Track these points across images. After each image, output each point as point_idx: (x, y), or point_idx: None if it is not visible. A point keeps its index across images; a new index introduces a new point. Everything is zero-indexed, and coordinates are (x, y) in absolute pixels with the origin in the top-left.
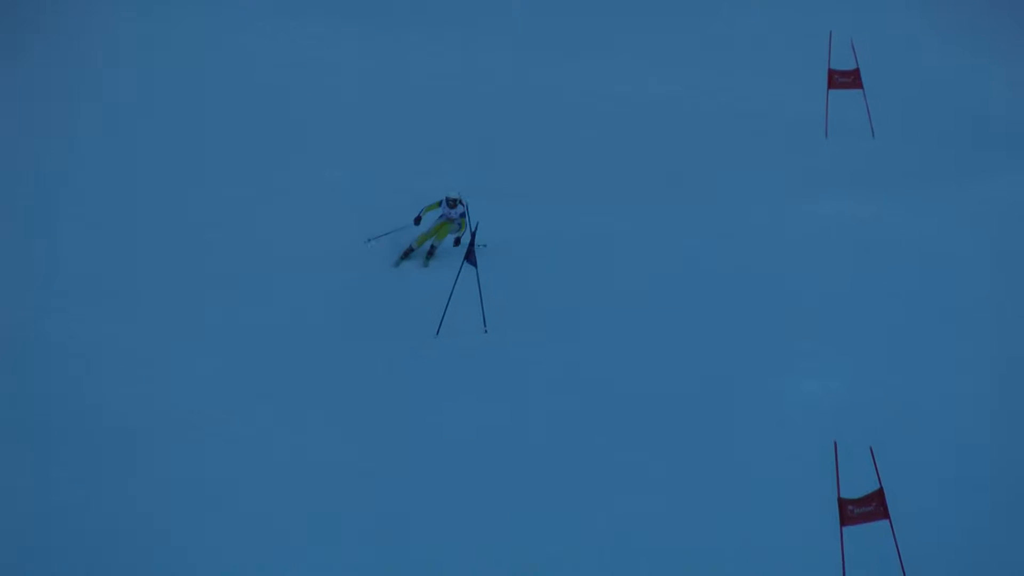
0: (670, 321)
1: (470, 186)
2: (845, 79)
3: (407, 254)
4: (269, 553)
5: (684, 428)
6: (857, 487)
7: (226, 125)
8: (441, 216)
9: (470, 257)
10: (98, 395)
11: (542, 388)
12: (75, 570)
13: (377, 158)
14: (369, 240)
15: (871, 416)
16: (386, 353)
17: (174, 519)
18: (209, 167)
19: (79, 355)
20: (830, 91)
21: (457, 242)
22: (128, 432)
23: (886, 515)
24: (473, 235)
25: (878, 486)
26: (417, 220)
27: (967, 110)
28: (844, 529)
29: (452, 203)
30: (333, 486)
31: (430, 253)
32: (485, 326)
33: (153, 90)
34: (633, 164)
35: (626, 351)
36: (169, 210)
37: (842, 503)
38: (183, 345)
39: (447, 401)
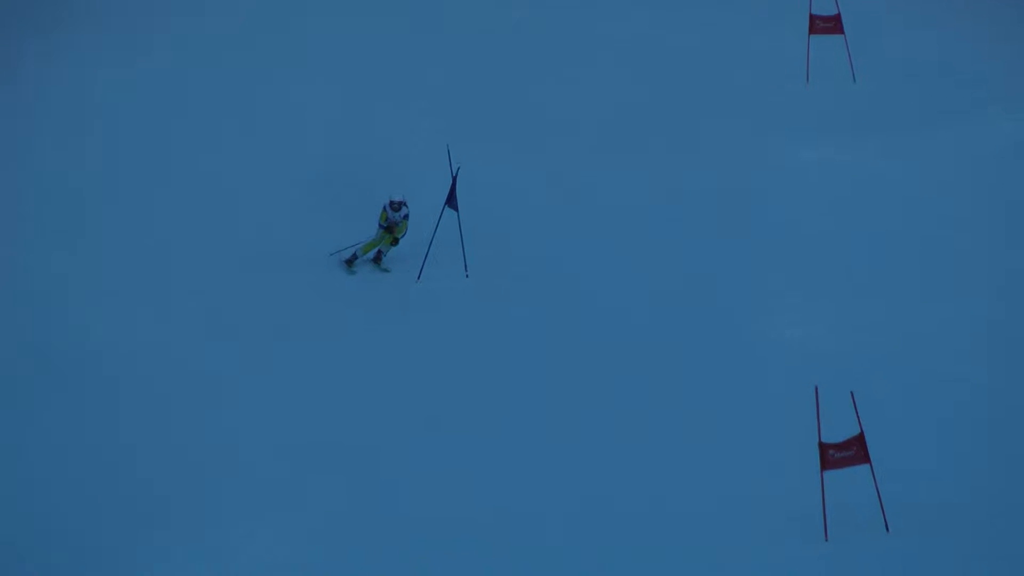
0: (651, 268)
1: (452, 128)
2: (826, 24)
3: (351, 262)
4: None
5: (664, 374)
6: (838, 431)
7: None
8: (387, 223)
9: (451, 202)
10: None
11: (523, 332)
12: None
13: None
14: (332, 253)
15: (852, 361)
16: (368, 298)
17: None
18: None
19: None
20: (811, 36)
21: (395, 242)
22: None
23: (867, 459)
24: (455, 179)
25: (859, 430)
26: (381, 227)
27: (948, 55)
28: (825, 473)
29: (396, 206)
30: (312, 422)
31: (377, 259)
32: (466, 271)
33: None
34: (615, 108)
35: (608, 298)
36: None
37: (823, 448)
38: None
39: (426, 345)
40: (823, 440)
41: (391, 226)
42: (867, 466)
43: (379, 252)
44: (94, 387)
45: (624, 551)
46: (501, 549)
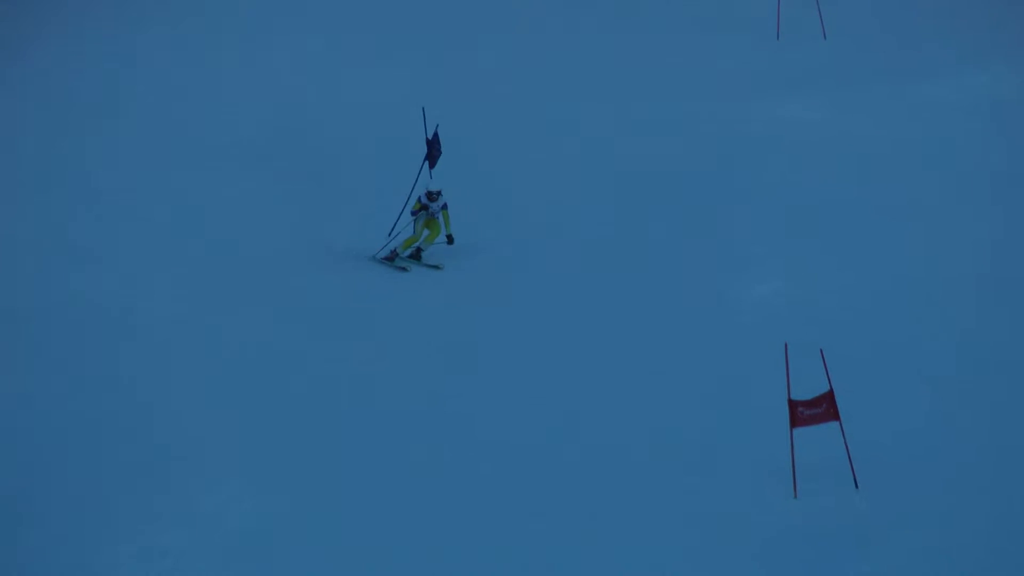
0: (620, 225)
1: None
2: None
3: (392, 258)
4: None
5: (635, 331)
6: (807, 389)
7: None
8: (428, 215)
9: (430, 160)
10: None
11: (493, 298)
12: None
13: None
14: (373, 257)
15: (823, 318)
16: (338, 263)
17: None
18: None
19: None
20: None
21: (450, 239)
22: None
23: (836, 417)
24: (436, 135)
25: (828, 388)
26: (414, 212)
27: (919, 12)
28: (794, 430)
29: (432, 196)
30: (286, 380)
31: (416, 256)
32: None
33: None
34: (582, 63)
35: (577, 254)
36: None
37: (792, 405)
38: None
39: (390, 303)
40: (792, 397)
41: (430, 221)
42: (836, 423)
43: (418, 249)
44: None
45: (593, 506)
46: (495, 504)
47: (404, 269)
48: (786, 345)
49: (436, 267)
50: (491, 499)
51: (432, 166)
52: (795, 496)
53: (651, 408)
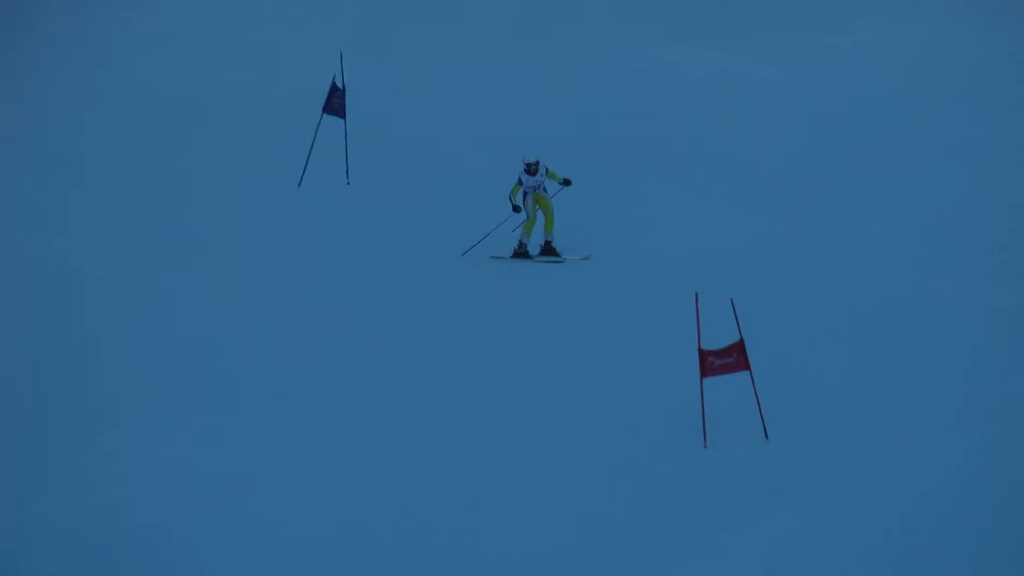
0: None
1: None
2: None
3: (522, 252)
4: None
5: (549, 280)
6: (718, 338)
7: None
8: (529, 188)
9: (331, 108)
10: None
11: (401, 234)
12: None
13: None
14: (465, 253)
15: (734, 268)
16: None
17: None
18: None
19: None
20: None
21: (567, 182)
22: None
23: (746, 366)
24: (343, 86)
25: (739, 337)
26: (516, 208)
27: None
28: (705, 380)
29: (531, 168)
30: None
31: (548, 250)
32: (348, 178)
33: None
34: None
35: (490, 200)
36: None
37: (703, 354)
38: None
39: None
40: (703, 347)
41: (540, 199)
42: (747, 373)
43: (547, 241)
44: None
45: (503, 460)
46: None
47: (560, 260)
48: (696, 295)
49: (559, 260)
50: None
51: (337, 114)
52: (704, 446)
53: (561, 360)
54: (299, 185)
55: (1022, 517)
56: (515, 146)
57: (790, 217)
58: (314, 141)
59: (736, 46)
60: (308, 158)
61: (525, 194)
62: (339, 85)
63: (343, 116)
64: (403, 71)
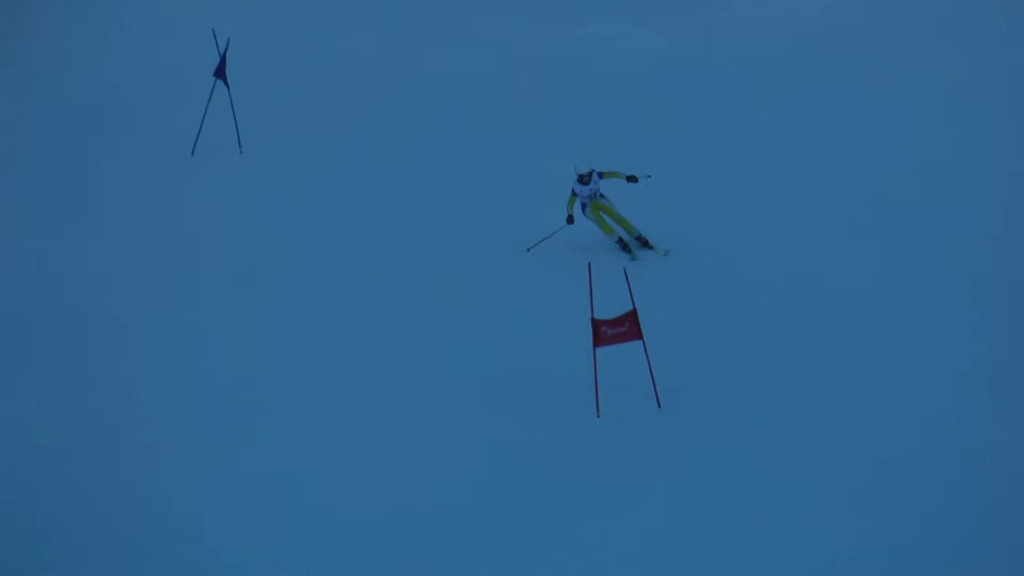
0: (441, 149)
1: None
2: None
3: (626, 246)
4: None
5: (439, 254)
6: (611, 308)
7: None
8: (588, 198)
9: (220, 74)
10: None
11: (303, 196)
12: None
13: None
14: (529, 248)
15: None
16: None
17: None
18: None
19: None
20: None
21: (632, 178)
22: None
23: (639, 336)
24: (224, 54)
25: (631, 307)
26: (570, 219)
27: None
28: (597, 349)
29: (584, 179)
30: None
31: (624, 247)
32: (240, 147)
33: None
34: None
35: (418, 178)
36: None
37: (596, 324)
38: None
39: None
40: (596, 316)
41: (598, 206)
42: (640, 343)
43: (623, 242)
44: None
45: (394, 436)
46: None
47: (666, 252)
48: (589, 265)
49: (633, 257)
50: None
51: (225, 81)
52: (597, 415)
53: (454, 329)
54: (192, 154)
55: (902, 477)
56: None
57: (681, 187)
58: (207, 110)
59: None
60: (201, 126)
61: (584, 204)
62: (221, 52)
63: (226, 82)
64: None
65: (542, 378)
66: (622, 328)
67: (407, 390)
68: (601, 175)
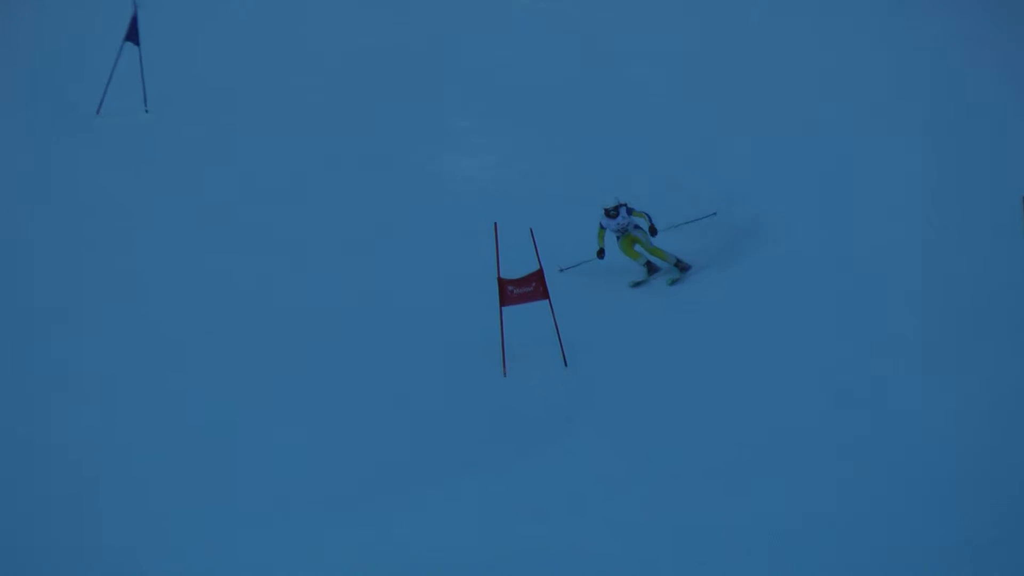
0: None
1: None
2: None
3: (651, 269)
4: None
5: (344, 205)
6: (517, 267)
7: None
8: (618, 231)
9: (132, 37)
10: None
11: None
12: None
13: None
14: (562, 269)
15: (532, 198)
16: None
17: None
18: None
19: None
20: None
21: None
22: None
23: (545, 295)
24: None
25: (538, 267)
26: (600, 253)
27: None
28: (503, 309)
29: (611, 212)
30: None
31: (651, 270)
32: (146, 106)
33: None
34: None
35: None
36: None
37: (502, 283)
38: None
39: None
40: (502, 276)
41: (628, 239)
42: (546, 302)
43: (649, 265)
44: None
45: (300, 383)
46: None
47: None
48: (496, 224)
49: (672, 280)
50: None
51: (136, 41)
52: (504, 375)
53: (357, 283)
54: (97, 113)
55: (809, 442)
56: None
57: (587, 146)
58: (114, 66)
59: None
60: (108, 83)
61: (618, 237)
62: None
63: (137, 42)
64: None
65: (447, 333)
66: (528, 288)
67: (311, 342)
68: (631, 211)
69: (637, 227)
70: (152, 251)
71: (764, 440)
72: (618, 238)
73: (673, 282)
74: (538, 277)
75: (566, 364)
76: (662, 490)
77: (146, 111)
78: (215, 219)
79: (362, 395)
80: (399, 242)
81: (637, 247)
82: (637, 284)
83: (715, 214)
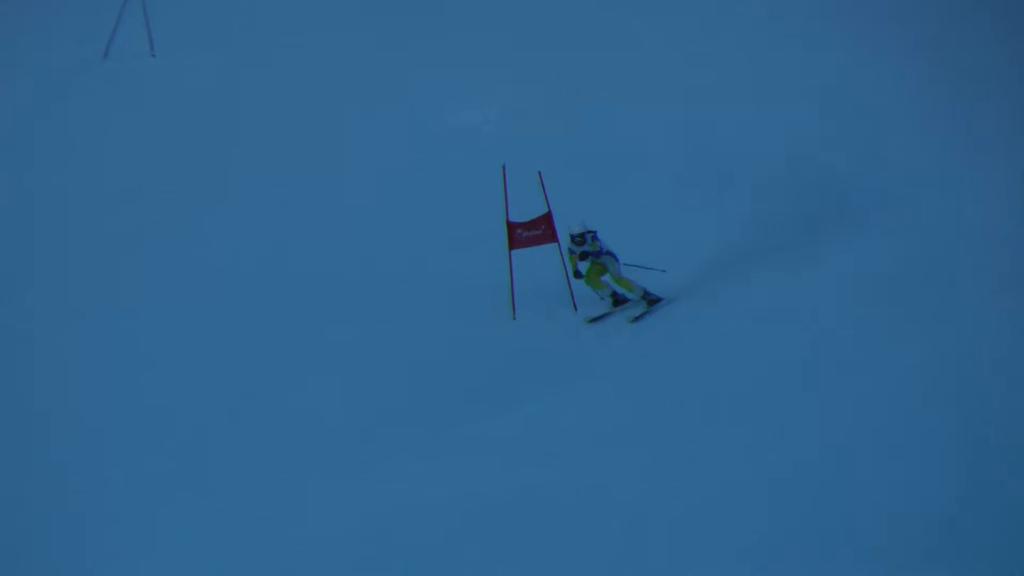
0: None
1: None
2: None
3: (617, 301)
4: None
5: (341, 160)
6: (526, 211)
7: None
8: (582, 259)
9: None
10: None
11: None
12: None
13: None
14: (590, 321)
15: (538, 142)
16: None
17: None
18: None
19: None
20: None
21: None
22: None
23: (554, 238)
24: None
25: (546, 209)
26: (576, 274)
27: None
28: (513, 252)
29: (577, 239)
30: None
31: (617, 301)
32: (152, 51)
33: None
34: None
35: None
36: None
37: (510, 227)
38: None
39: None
40: (511, 219)
41: (595, 266)
42: (555, 245)
43: (615, 295)
44: None
45: (308, 327)
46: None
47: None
48: (503, 167)
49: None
50: None
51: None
52: (513, 318)
53: (361, 239)
54: (104, 57)
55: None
56: None
57: (585, 96)
58: (121, 12)
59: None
60: (115, 30)
61: (581, 259)
62: None
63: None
64: None
65: (457, 277)
66: (537, 231)
67: (322, 291)
68: (596, 239)
69: (608, 253)
70: (153, 205)
71: (759, 384)
72: (588, 262)
73: (635, 320)
74: (547, 220)
75: (576, 309)
76: (668, 433)
77: (152, 56)
78: (216, 168)
79: (371, 341)
80: (404, 194)
81: (604, 277)
82: (636, 319)
83: (664, 271)
